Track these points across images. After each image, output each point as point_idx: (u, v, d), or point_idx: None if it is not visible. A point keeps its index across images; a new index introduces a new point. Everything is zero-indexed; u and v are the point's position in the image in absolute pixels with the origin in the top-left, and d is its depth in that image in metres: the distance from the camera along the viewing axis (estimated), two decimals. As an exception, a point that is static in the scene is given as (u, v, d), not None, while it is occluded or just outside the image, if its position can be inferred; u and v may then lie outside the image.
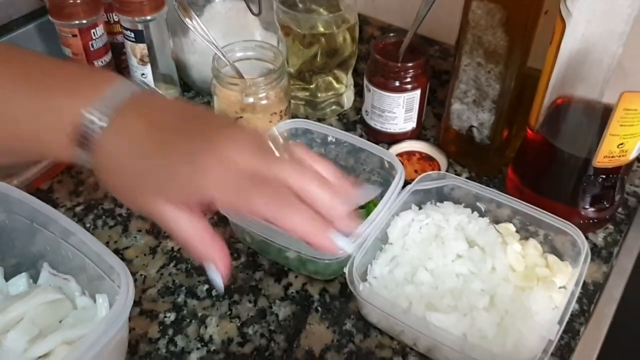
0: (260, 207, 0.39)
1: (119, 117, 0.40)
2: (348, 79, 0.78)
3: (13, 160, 0.50)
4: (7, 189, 0.55)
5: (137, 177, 0.41)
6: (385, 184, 0.65)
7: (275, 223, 0.39)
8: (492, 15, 0.60)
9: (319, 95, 0.77)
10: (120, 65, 0.80)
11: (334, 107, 0.79)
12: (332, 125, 0.78)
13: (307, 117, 0.78)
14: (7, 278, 0.56)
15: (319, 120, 0.78)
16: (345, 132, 0.65)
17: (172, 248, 0.62)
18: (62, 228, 0.52)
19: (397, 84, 0.70)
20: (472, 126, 0.68)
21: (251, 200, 0.39)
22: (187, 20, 0.67)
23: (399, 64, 0.69)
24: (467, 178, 0.64)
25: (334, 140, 0.66)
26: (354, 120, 0.79)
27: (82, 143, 0.40)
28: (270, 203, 0.39)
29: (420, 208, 0.61)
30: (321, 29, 0.72)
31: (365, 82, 0.72)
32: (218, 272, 0.41)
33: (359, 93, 0.81)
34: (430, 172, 0.62)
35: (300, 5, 0.75)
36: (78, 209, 0.67)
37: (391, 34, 0.73)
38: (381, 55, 0.70)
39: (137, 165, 0.40)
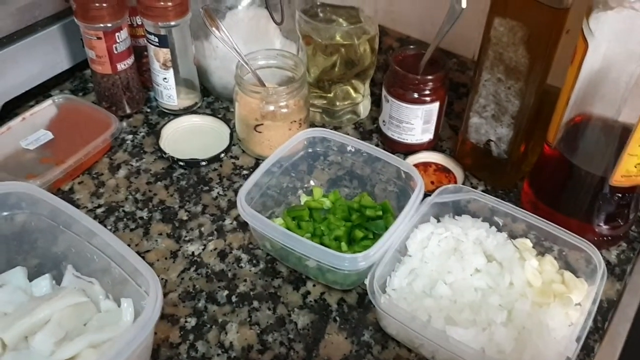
0: None
1: None
2: (365, 88, 0.79)
3: None
4: (30, 189, 0.56)
5: None
6: (401, 194, 0.66)
7: None
8: (514, 33, 0.61)
9: (337, 103, 0.78)
10: (141, 68, 0.81)
11: (350, 115, 0.80)
12: (348, 134, 0.79)
13: (323, 125, 0.79)
14: (30, 279, 0.56)
15: (335, 128, 0.79)
16: (363, 142, 0.66)
17: (193, 253, 0.63)
18: (86, 229, 0.53)
19: (415, 95, 0.71)
20: (489, 140, 0.69)
21: None
22: (213, 29, 0.67)
23: (419, 77, 0.70)
24: (482, 191, 0.65)
25: (352, 150, 0.67)
26: (370, 130, 0.80)
27: None
28: None
29: (438, 220, 0.62)
30: (341, 40, 0.73)
31: (384, 92, 0.73)
32: None
33: (376, 102, 0.82)
34: (447, 185, 0.62)
35: (321, 16, 0.76)
36: (99, 210, 0.67)
37: (411, 47, 0.74)
38: (401, 67, 0.71)
39: None
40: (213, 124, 0.78)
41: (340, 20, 0.76)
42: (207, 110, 0.81)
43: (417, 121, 0.72)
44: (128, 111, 0.79)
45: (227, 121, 0.79)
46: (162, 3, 0.70)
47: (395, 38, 0.83)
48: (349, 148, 0.67)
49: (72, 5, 0.71)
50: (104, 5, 0.70)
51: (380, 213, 0.65)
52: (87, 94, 0.82)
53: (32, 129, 0.73)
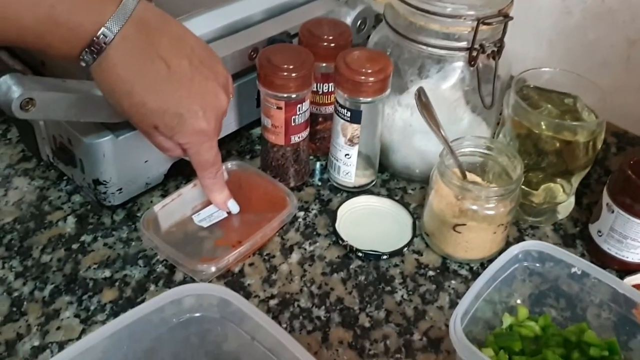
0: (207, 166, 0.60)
1: (125, 36, 0.47)
2: (573, 187, 0.68)
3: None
4: (232, 297, 0.48)
5: (135, 96, 0.50)
6: (620, 325, 0.54)
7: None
8: None
9: (539, 202, 0.68)
10: (314, 135, 0.74)
11: (548, 214, 0.69)
12: (547, 236, 0.68)
13: (517, 222, 0.69)
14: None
15: (531, 227, 0.69)
16: (593, 265, 0.56)
17: (382, 376, 0.54)
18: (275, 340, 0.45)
19: (648, 209, 0.60)
20: None
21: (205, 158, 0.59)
22: (423, 114, 0.59)
23: (659, 190, 0.59)
24: None
25: (579, 272, 0.56)
26: (572, 234, 0.69)
27: (92, 50, 0.47)
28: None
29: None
30: (561, 135, 0.63)
31: (607, 199, 0.62)
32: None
33: (578, 201, 0.71)
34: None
35: (541, 105, 0.66)
36: (272, 302, 0.60)
37: (647, 150, 0.63)
38: (634, 173, 0.60)
39: (136, 84, 0.49)
40: (392, 208, 0.70)
41: (550, 106, 0.66)
42: (382, 190, 0.73)
43: (646, 239, 0.61)
44: (292, 184, 0.72)
45: (406, 205, 0.70)
46: (363, 77, 0.62)
47: (610, 132, 0.72)
48: (575, 270, 0.56)
49: (257, 69, 0.65)
50: (293, 75, 0.63)
51: (606, 354, 0.54)
52: (254, 157, 0.76)
53: (202, 196, 0.66)
